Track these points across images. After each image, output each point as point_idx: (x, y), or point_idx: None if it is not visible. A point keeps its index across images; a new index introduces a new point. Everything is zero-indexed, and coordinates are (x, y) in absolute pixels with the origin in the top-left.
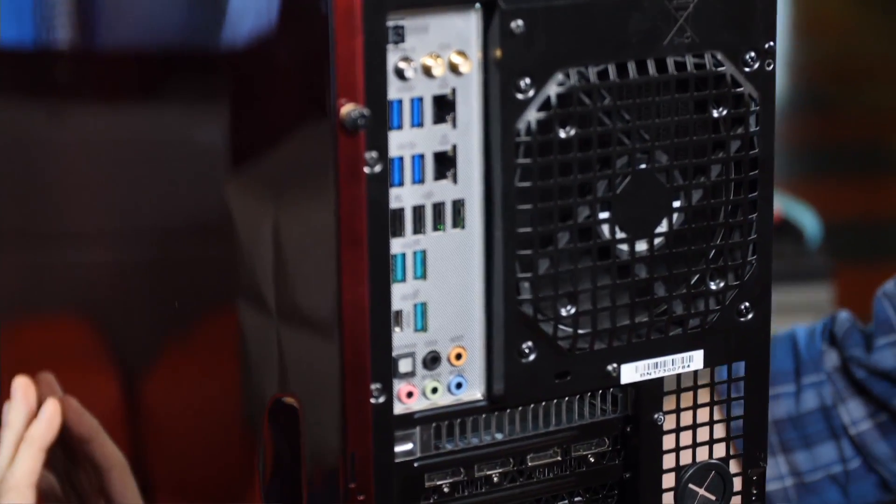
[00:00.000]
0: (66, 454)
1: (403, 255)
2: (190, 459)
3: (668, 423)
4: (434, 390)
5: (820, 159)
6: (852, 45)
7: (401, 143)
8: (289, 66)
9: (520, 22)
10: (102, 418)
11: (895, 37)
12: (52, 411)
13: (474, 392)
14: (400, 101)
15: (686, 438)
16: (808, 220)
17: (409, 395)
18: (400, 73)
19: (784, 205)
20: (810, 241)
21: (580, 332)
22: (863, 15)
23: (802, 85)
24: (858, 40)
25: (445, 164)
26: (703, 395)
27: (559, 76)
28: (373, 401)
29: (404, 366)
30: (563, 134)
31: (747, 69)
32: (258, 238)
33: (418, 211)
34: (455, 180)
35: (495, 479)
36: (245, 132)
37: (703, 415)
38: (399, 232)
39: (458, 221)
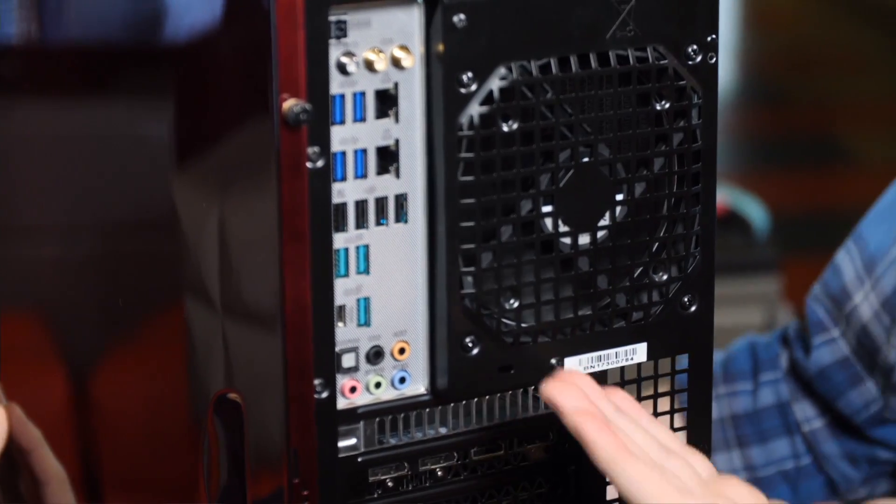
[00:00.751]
0: (6, 461)
1: (346, 250)
2: (135, 457)
3: None
4: (377, 385)
5: (768, 151)
6: (802, 36)
7: (343, 137)
8: (231, 61)
9: (462, 16)
10: (47, 417)
11: (844, 28)
12: None
13: (418, 386)
14: (342, 96)
15: None
16: (755, 212)
17: (353, 389)
18: (342, 68)
19: (732, 196)
20: (758, 233)
21: (523, 325)
22: (812, 6)
23: (751, 76)
24: (808, 32)
25: (388, 158)
26: (648, 388)
27: (501, 70)
28: (316, 396)
29: (347, 361)
30: (505, 128)
31: (690, 62)
32: (203, 234)
33: (361, 205)
34: (398, 175)
35: (439, 473)
36: (189, 127)
37: (646, 407)
38: (342, 227)
39: (401, 216)
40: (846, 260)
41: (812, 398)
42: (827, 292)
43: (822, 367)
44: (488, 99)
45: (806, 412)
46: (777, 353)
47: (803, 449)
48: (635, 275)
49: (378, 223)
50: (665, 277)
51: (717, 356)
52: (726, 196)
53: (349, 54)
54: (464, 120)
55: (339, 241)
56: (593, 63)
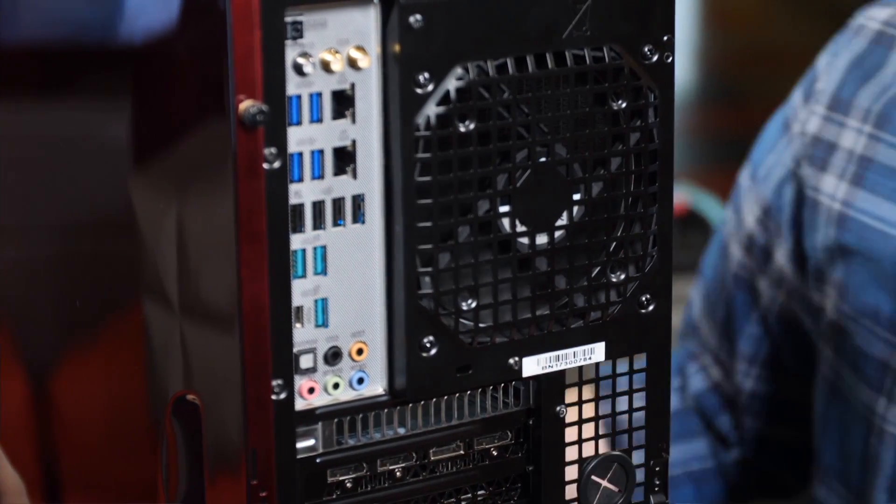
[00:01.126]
0: None
1: (304, 251)
2: (93, 460)
3: (571, 415)
4: (336, 386)
5: (728, 150)
6: (761, 35)
7: (300, 138)
8: (188, 61)
9: (418, 16)
10: (3, 422)
11: (804, 27)
12: None
13: (376, 387)
14: (299, 97)
15: (588, 430)
16: (715, 211)
17: (311, 390)
18: (299, 69)
19: (691, 195)
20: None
21: (481, 325)
22: (771, 5)
23: (711, 75)
24: (767, 30)
25: (345, 159)
26: (607, 387)
27: (458, 70)
28: (274, 397)
29: (305, 362)
30: (462, 128)
31: (646, 62)
32: (161, 235)
33: (318, 206)
34: (355, 175)
35: (398, 473)
36: (146, 128)
37: (605, 406)
38: (299, 228)
39: (359, 217)
40: (694, 294)
41: (698, 416)
42: (685, 327)
43: (696, 393)
44: (445, 99)
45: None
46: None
47: (709, 452)
48: (593, 274)
49: (335, 224)
50: (623, 277)
51: None
52: (686, 195)
53: (305, 55)
54: (420, 120)
55: (296, 241)
56: (550, 63)
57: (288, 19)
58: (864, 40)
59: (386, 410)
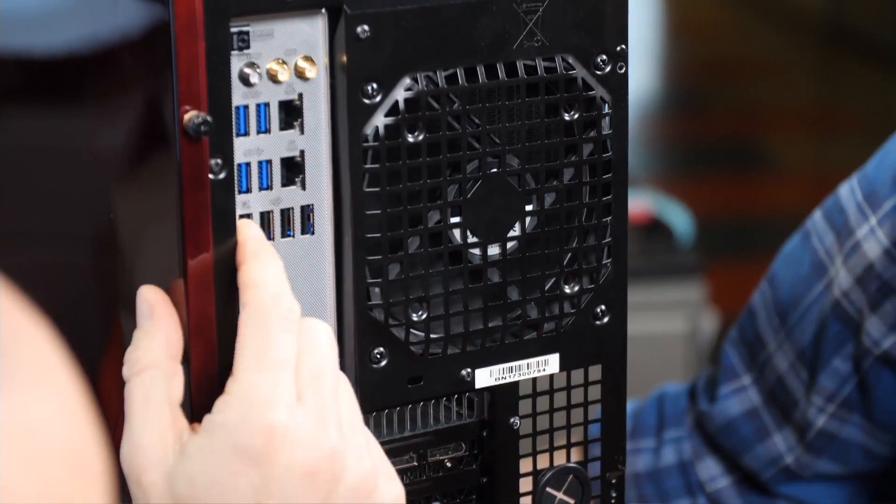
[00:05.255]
0: None
1: None
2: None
3: (525, 426)
4: None
5: (691, 158)
6: (724, 45)
7: (248, 149)
8: (134, 71)
9: (366, 27)
10: None
11: (766, 37)
12: None
13: None
14: (246, 107)
15: (543, 442)
16: (679, 219)
17: None
18: (245, 79)
19: (656, 203)
20: (682, 239)
21: (433, 336)
22: (734, 16)
23: (676, 84)
24: (730, 40)
25: (294, 170)
26: (562, 399)
27: (407, 81)
28: None
29: None
30: (411, 139)
31: (599, 72)
32: (115, 246)
33: (266, 217)
34: (304, 186)
35: None
36: (97, 138)
37: (560, 418)
38: None
39: (308, 227)
40: (760, 304)
41: (717, 454)
42: (742, 337)
43: (729, 419)
44: (394, 110)
45: (711, 471)
46: (684, 408)
47: None
48: (546, 286)
49: (284, 235)
50: (577, 288)
51: (631, 406)
52: (650, 203)
53: (252, 65)
54: (369, 131)
55: None
56: (500, 73)
57: (234, 29)
58: None
59: None
